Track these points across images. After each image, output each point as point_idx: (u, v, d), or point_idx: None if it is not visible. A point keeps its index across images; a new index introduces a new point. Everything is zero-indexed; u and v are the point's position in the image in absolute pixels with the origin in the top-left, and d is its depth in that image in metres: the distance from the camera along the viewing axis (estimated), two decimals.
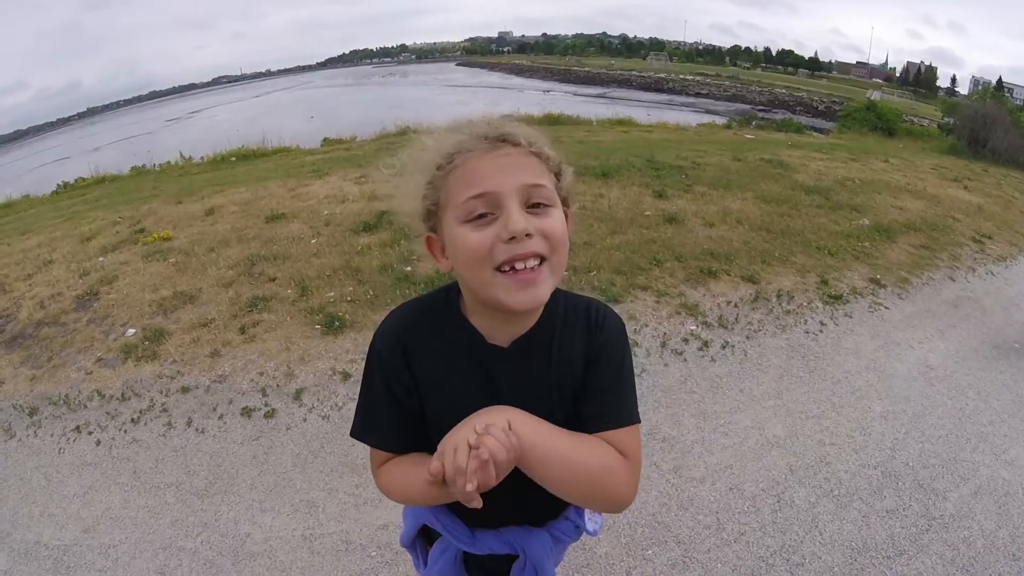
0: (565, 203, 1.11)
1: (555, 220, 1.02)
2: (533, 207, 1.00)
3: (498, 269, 0.99)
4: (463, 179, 1.01)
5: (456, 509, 1.26)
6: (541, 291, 1.01)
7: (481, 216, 0.99)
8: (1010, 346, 4.63)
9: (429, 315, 1.18)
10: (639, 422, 1.16)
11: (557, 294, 1.18)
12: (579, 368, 1.16)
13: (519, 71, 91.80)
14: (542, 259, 1.00)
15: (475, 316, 1.14)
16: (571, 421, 1.16)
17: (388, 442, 1.19)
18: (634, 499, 1.13)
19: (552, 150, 1.08)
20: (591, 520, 1.32)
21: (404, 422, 1.16)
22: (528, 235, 0.97)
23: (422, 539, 1.42)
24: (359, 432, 1.19)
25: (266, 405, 3.66)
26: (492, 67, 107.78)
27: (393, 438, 1.18)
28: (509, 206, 0.98)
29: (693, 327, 4.44)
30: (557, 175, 1.08)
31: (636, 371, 3.80)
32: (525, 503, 1.22)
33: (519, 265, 0.99)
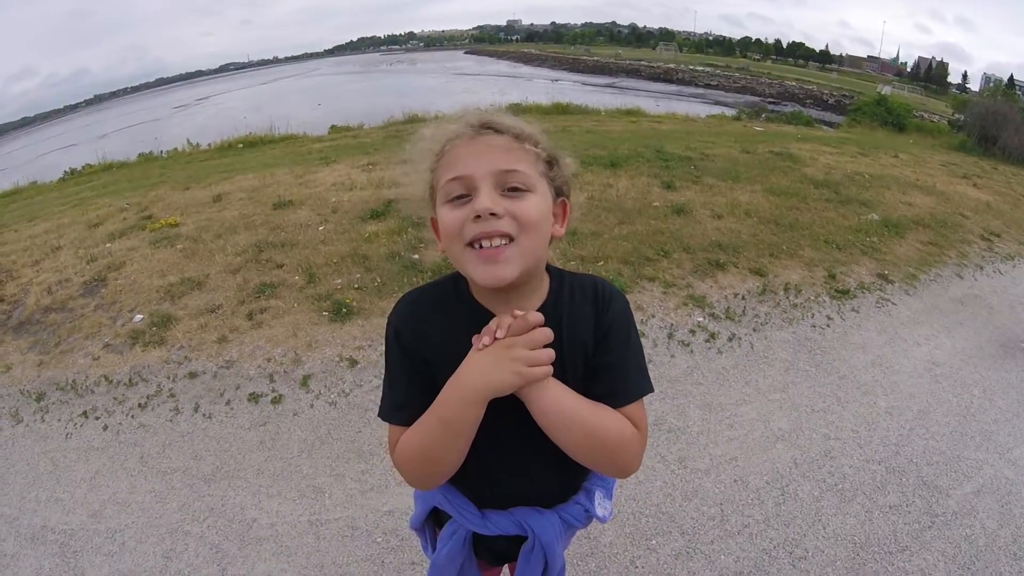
0: (560, 192, 1.16)
1: (529, 204, 1.06)
2: (510, 191, 1.06)
3: (469, 245, 1.05)
4: (447, 164, 1.09)
5: (467, 490, 1.28)
6: (505, 269, 1.05)
7: (459, 197, 1.07)
8: (1016, 345, 4.61)
9: (438, 296, 1.24)
10: (652, 390, 1.22)
11: (562, 273, 1.24)
12: (590, 345, 1.19)
13: (527, 60, 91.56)
14: (510, 239, 1.05)
15: (479, 296, 1.19)
16: (583, 392, 1.19)
17: (416, 418, 1.17)
18: (639, 468, 1.19)
19: (542, 139, 1.13)
20: (600, 506, 1.34)
21: (427, 395, 1.15)
22: (494, 215, 1.03)
23: (431, 523, 1.45)
24: (387, 412, 1.22)
25: (273, 391, 3.68)
26: (500, 55, 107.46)
27: (419, 413, 1.16)
28: (481, 188, 1.04)
29: (700, 319, 4.43)
30: (550, 163, 1.13)
31: None
32: (535, 485, 1.26)
33: (485, 243, 1.04)
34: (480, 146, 1.07)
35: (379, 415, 1.23)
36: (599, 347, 1.19)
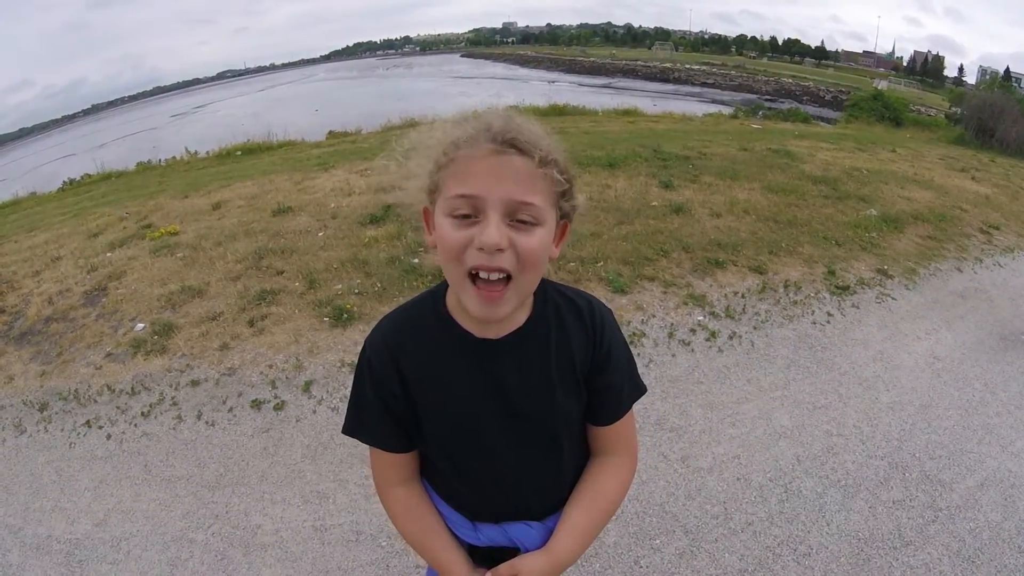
0: (567, 216, 1.10)
1: (534, 240, 1.00)
2: (518, 221, 0.99)
3: (468, 274, 1.00)
4: (458, 174, 1.00)
5: (460, 506, 1.29)
6: (502, 309, 1.03)
7: (466, 216, 0.99)
8: (1017, 338, 4.61)
9: (418, 319, 1.20)
10: (644, 391, 1.29)
11: (546, 286, 1.20)
12: (578, 361, 1.19)
13: (524, 62, 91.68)
14: (509, 277, 1.00)
15: (462, 313, 1.15)
16: (574, 410, 1.22)
17: (381, 441, 1.23)
18: None
19: (564, 164, 1.04)
20: None
21: (396, 425, 1.20)
22: (500, 250, 0.97)
23: None
24: (352, 430, 1.24)
25: (276, 397, 3.68)
26: (496, 58, 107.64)
27: (386, 438, 1.23)
28: (489, 216, 0.97)
29: (700, 317, 4.44)
30: (564, 192, 1.06)
31: (644, 361, 3.84)
32: (527, 501, 1.25)
33: (483, 275, 0.99)
34: (499, 167, 0.97)
35: (343, 431, 1.25)
36: (598, 371, 1.21)
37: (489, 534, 1.27)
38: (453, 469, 1.23)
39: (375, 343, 1.20)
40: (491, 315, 1.03)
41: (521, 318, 1.16)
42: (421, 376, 1.16)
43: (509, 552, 1.28)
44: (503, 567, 1.19)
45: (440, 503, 1.30)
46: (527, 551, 1.25)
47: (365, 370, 1.20)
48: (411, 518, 1.27)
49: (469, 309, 1.05)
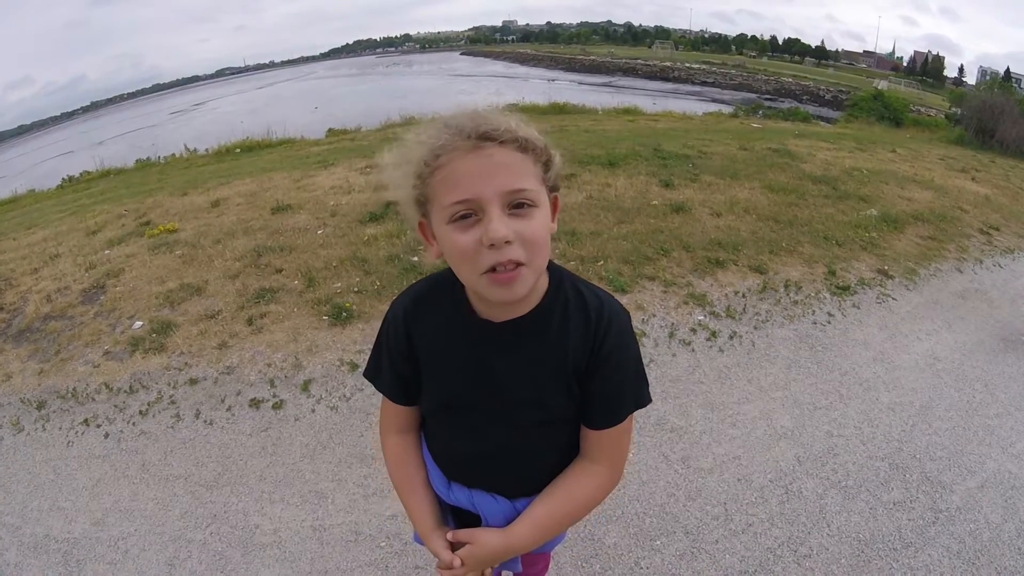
0: (554, 188, 1.13)
1: (536, 223, 1.03)
2: (517, 207, 1.02)
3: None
4: (446, 182, 1.01)
5: (440, 461, 1.38)
6: (519, 289, 1.05)
7: (465, 216, 1.01)
8: (1017, 339, 4.61)
9: (434, 293, 1.26)
10: (647, 403, 1.26)
11: (561, 274, 1.22)
12: (578, 359, 1.19)
13: (523, 60, 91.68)
14: (521, 262, 1.03)
15: (475, 298, 1.19)
16: (563, 406, 1.23)
17: (391, 393, 1.34)
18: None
19: (541, 141, 1.07)
20: None
21: (402, 382, 1.31)
22: (508, 241, 1.00)
23: None
24: (369, 375, 1.37)
25: (274, 396, 3.67)
26: (496, 56, 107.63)
27: (393, 390, 1.33)
28: (490, 212, 0.99)
29: (701, 317, 4.43)
30: (547, 165, 1.08)
31: (645, 361, 3.80)
32: (499, 482, 1.31)
33: (499, 267, 1.02)
34: (483, 162, 1.00)
35: (363, 374, 1.40)
36: (592, 374, 1.19)
37: (458, 496, 1.34)
38: (441, 433, 1.34)
39: (396, 309, 1.29)
40: (510, 296, 1.06)
41: (531, 303, 1.18)
42: (426, 347, 1.25)
43: (477, 517, 1.34)
44: (462, 532, 1.28)
45: (427, 457, 1.39)
46: (486, 521, 1.31)
47: (385, 330, 1.31)
48: (398, 465, 1.39)
49: (488, 296, 1.08)
